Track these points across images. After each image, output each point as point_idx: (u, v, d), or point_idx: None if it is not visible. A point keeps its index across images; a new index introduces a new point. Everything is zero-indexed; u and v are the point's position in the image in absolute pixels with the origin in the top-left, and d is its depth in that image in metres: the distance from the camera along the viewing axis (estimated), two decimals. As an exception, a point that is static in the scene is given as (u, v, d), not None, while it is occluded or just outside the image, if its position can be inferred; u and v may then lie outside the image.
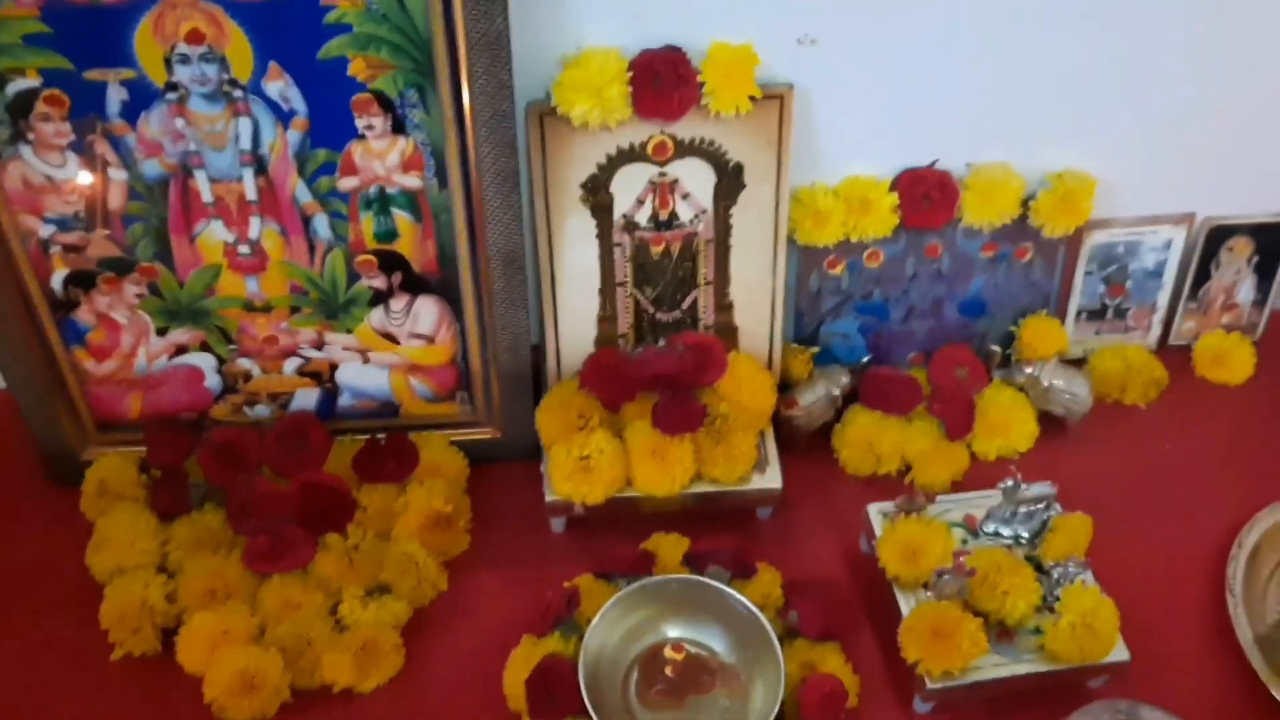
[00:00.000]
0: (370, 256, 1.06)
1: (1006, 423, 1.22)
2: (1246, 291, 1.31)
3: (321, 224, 1.03)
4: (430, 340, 1.12)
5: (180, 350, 1.10)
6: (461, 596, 1.11)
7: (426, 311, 1.10)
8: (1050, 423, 1.24)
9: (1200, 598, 1.12)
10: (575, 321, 1.14)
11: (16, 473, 1.19)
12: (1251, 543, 1.14)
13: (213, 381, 1.12)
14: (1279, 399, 1.30)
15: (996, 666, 1.01)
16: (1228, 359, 1.30)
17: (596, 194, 1.07)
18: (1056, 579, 1.03)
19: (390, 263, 1.06)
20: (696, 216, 1.10)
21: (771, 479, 1.14)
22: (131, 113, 0.95)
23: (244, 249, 1.04)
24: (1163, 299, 1.29)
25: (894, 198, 1.15)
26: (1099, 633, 1.00)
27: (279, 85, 0.95)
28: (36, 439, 1.14)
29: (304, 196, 1.01)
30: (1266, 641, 1.08)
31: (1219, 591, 1.11)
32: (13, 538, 1.14)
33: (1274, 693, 1.03)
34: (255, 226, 1.03)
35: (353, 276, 1.07)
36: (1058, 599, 1.02)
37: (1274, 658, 1.06)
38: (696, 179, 1.08)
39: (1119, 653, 1.01)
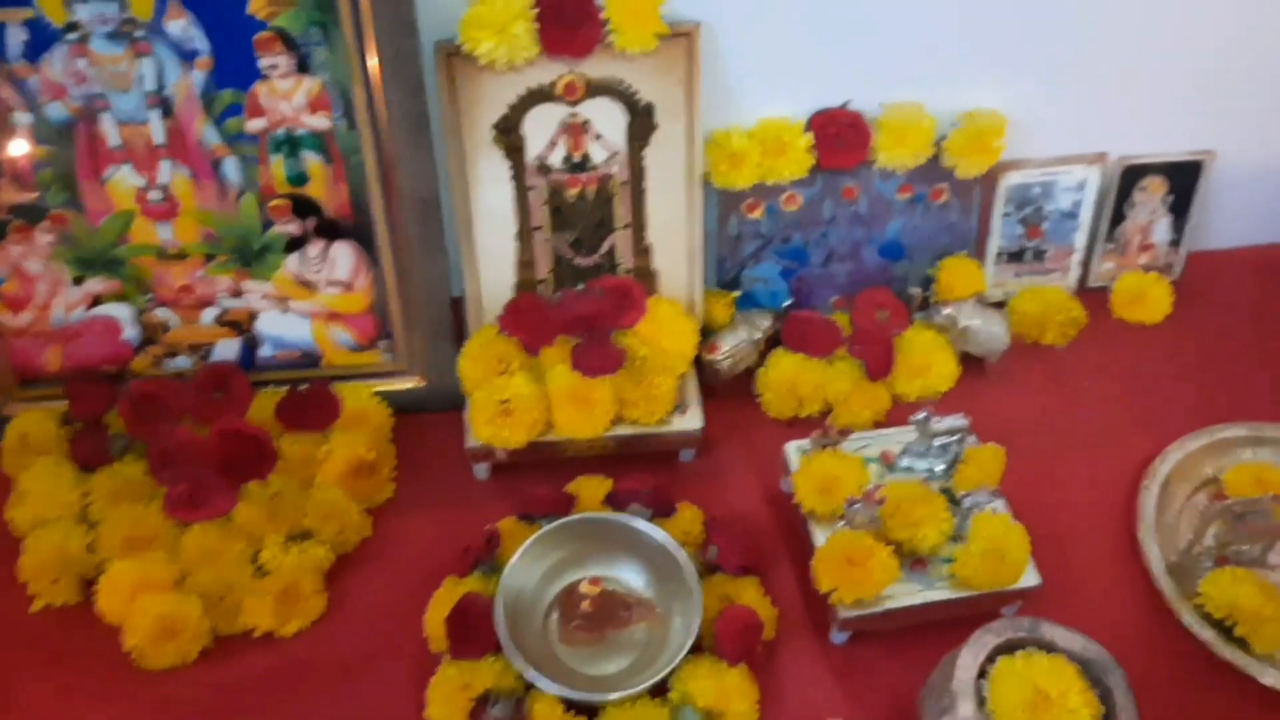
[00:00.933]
0: (283, 201, 1.06)
1: (926, 363, 1.24)
2: (1162, 231, 1.33)
3: (231, 167, 1.03)
4: (348, 287, 1.12)
5: (96, 301, 1.10)
6: (385, 542, 1.12)
7: (343, 257, 1.10)
8: (970, 363, 1.26)
9: (1113, 527, 1.14)
10: (494, 267, 1.14)
11: (-63, 431, 1.19)
12: (1163, 474, 1.16)
13: (131, 333, 1.12)
14: (1194, 338, 1.32)
15: (909, 594, 1.03)
16: (1145, 299, 1.33)
17: (508, 135, 1.07)
18: (968, 508, 1.05)
19: (303, 207, 1.06)
20: (610, 158, 1.11)
21: (692, 420, 1.15)
22: (33, 54, 0.95)
23: (155, 194, 1.04)
24: (1080, 240, 1.31)
25: (808, 139, 1.16)
26: (1009, 559, 1.02)
27: (181, 23, 0.95)
28: (-45, 397, 1.14)
29: (212, 139, 1.01)
30: (1176, 569, 1.10)
31: (1130, 522, 1.13)
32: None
33: (1182, 617, 1.05)
34: (165, 170, 1.02)
35: (266, 222, 1.07)
36: (969, 528, 1.04)
37: (1183, 584, 1.08)
38: (608, 119, 1.08)
39: (1029, 578, 1.03)
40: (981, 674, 0.89)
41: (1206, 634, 1.04)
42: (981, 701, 0.88)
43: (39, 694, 1.00)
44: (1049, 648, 0.90)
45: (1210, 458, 1.18)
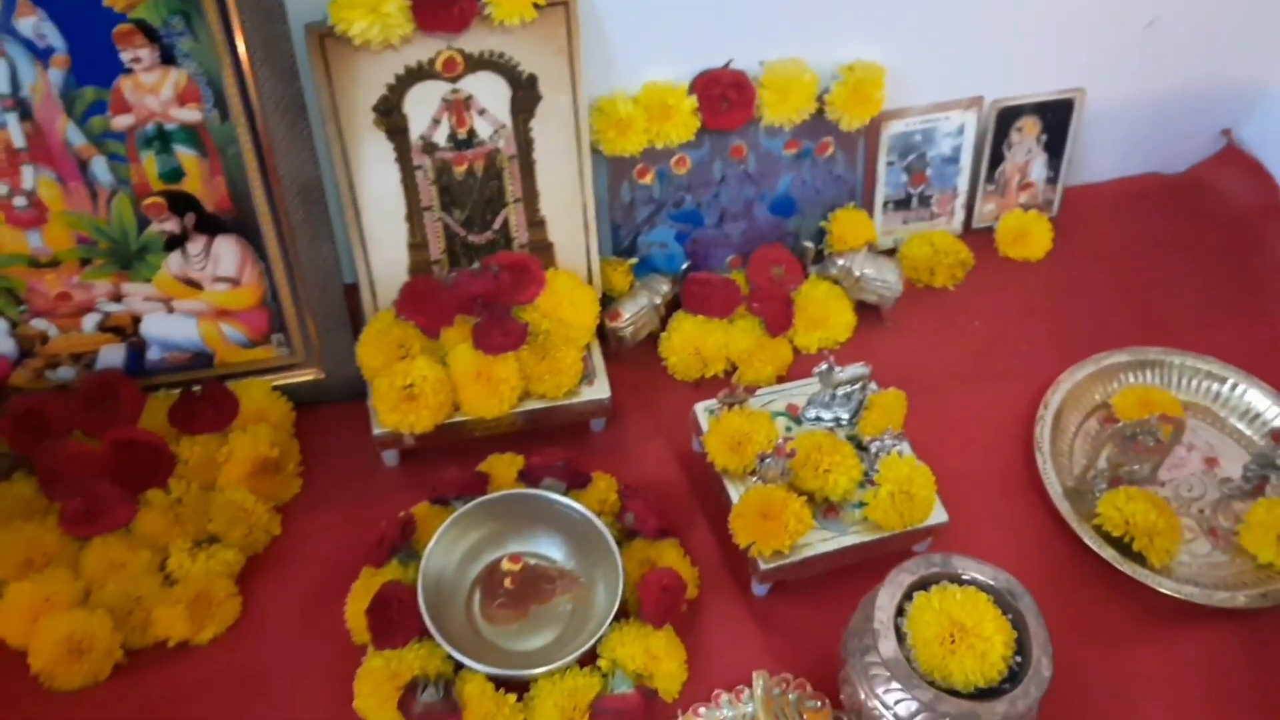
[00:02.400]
0: (158, 199, 1.02)
1: (824, 315, 1.26)
2: (1039, 170, 1.37)
3: (100, 167, 0.98)
4: (235, 283, 1.09)
5: (-36, 315, 1.05)
6: (297, 540, 1.10)
7: (227, 252, 1.07)
8: (866, 311, 1.29)
9: (1012, 458, 1.18)
10: (386, 251, 1.12)
11: None
12: (1056, 403, 1.20)
13: (6, 346, 1.07)
14: (1076, 270, 1.37)
15: (824, 541, 1.05)
16: (1027, 237, 1.37)
17: (389, 116, 1.05)
18: (875, 453, 1.07)
19: (180, 203, 1.02)
20: (496, 132, 1.09)
21: (600, 390, 1.15)
22: None
23: (20, 201, 0.99)
24: (962, 183, 1.34)
25: (693, 101, 1.16)
26: (916, 498, 1.04)
27: (32, 21, 0.90)
28: None
29: (77, 139, 0.96)
30: (1073, 493, 1.14)
31: (1028, 451, 1.17)
32: None
33: (1083, 537, 1.09)
34: (28, 176, 0.97)
35: (143, 221, 1.03)
36: (877, 471, 1.06)
37: (1081, 507, 1.13)
38: (491, 94, 1.07)
39: (938, 515, 1.06)
40: (899, 611, 0.92)
41: (1107, 552, 1.08)
42: (901, 638, 0.90)
43: (-58, 730, 0.96)
44: (961, 580, 0.93)
45: (1098, 384, 1.23)
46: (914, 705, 0.88)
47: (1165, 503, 1.11)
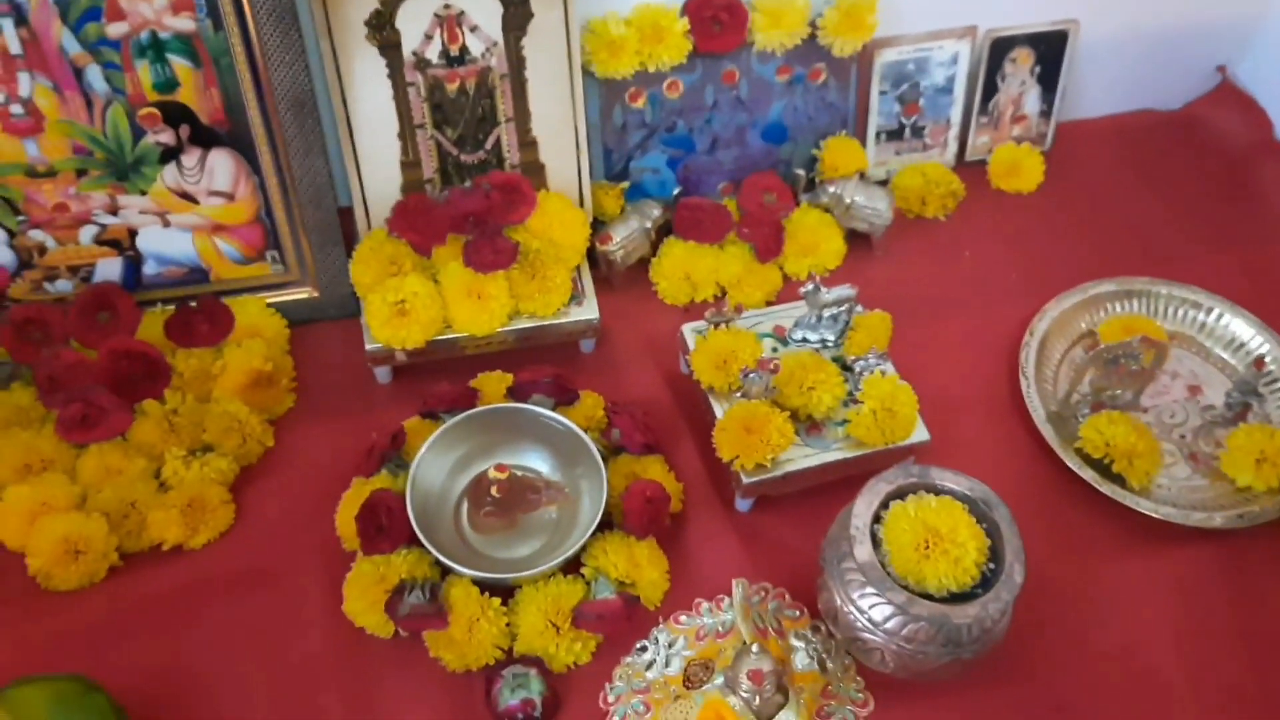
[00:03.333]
0: (153, 109, 1.03)
1: (815, 242, 1.27)
2: (1033, 103, 1.37)
3: (95, 76, 1.00)
4: (230, 197, 1.10)
5: (-36, 226, 1.06)
6: (290, 451, 1.12)
7: (221, 166, 1.08)
8: (856, 239, 1.30)
9: (997, 384, 1.19)
10: (379, 169, 1.13)
11: None
12: (1042, 330, 1.21)
13: (5, 257, 1.08)
14: (1067, 203, 1.38)
15: (807, 457, 1.06)
16: (1020, 169, 1.37)
17: (382, 31, 1.06)
18: (859, 372, 1.09)
19: (175, 115, 1.04)
20: (488, 50, 1.10)
21: (589, 310, 1.16)
22: None
23: (16, 109, 1.00)
24: (955, 115, 1.35)
25: (685, 23, 1.16)
26: (898, 415, 1.06)
27: (26, -75, 0.91)
28: None
29: (72, 47, 0.97)
30: (1056, 418, 1.16)
31: (1013, 377, 1.19)
32: None
33: (1064, 459, 1.11)
34: (25, 83, 0.99)
35: (138, 132, 1.04)
36: (860, 390, 1.07)
37: (1063, 431, 1.14)
38: (483, 10, 1.07)
39: (919, 433, 1.08)
40: (876, 519, 0.94)
41: (1087, 473, 1.10)
42: (877, 544, 0.92)
43: (-58, 625, 0.98)
44: (938, 491, 0.95)
45: (1085, 313, 1.24)
46: (888, 609, 0.91)
47: (1146, 427, 1.12)
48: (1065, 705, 0.98)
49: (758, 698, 0.88)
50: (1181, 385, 1.20)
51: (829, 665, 0.99)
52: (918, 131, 1.34)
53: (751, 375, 1.05)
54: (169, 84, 1.01)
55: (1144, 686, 0.99)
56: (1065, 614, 1.03)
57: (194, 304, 1.12)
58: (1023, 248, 1.32)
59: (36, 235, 1.08)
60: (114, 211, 1.08)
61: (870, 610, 0.91)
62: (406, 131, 1.12)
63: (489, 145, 1.15)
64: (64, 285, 1.12)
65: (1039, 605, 1.02)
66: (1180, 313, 1.24)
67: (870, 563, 0.90)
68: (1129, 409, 1.16)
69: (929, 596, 0.90)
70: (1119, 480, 1.10)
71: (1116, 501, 1.08)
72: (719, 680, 0.90)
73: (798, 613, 1.02)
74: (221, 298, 1.14)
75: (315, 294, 1.18)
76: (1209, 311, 1.23)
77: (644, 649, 1.00)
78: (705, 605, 1.02)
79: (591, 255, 1.22)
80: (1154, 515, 1.07)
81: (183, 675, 0.96)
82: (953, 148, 1.37)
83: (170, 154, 1.06)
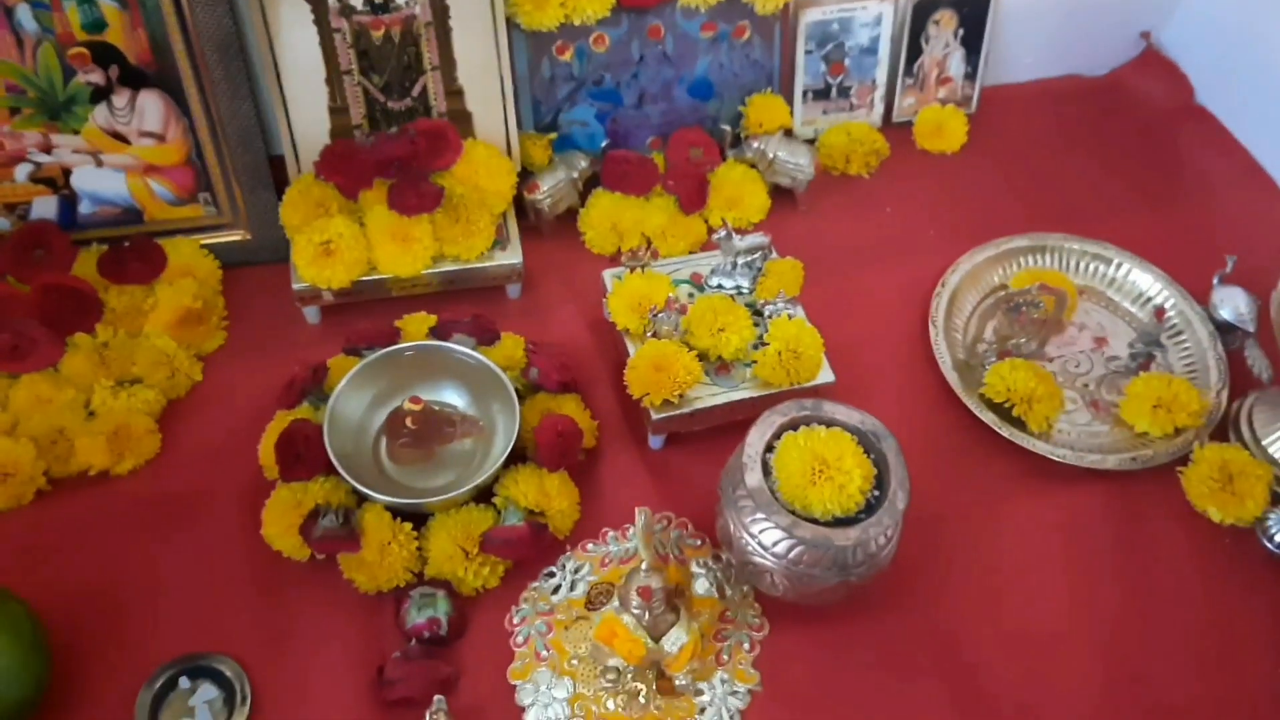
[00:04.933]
0: (82, 49, 1.06)
1: (740, 195, 1.30)
2: (957, 65, 1.41)
3: (25, 15, 1.03)
4: (160, 138, 1.13)
5: (-100, 161, 1.10)
6: (217, 387, 1.15)
7: (151, 107, 1.11)
8: (781, 194, 1.33)
9: (908, 335, 1.23)
10: (307, 114, 1.16)
11: None
12: (954, 282, 1.25)
13: (-59, 194, 1.12)
14: (989, 165, 1.41)
15: (714, 395, 1.10)
16: (944, 130, 1.41)
17: (306, -24, 1.09)
18: (767, 315, 1.13)
19: (104, 55, 1.07)
20: (412, -1, 1.14)
21: (513, 255, 1.20)
22: None
23: (-52, 47, 1.04)
24: (881, 75, 1.38)
25: (608, -24, 1.20)
26: (803, 357, 1.09)
27: None
28: None
29: (1, -14, 1.01)
30: (964, 365, 1.20)
31: (925, 329, 1.22)
32: None
33: (967, 403, 1.15)
34: (-45, 21, 1.02)
35: (69, 72, 1.07)
36: (768, 332, 1.11)
37: (970, 379, 1.18)
38: (406, -42, 1.11)
39: (825, 375, 1.11)
40: (769, 449, 0.98)
41: (987, 416, 1.14)
42: (768, 472, 0.96)
43: (-127, 543, 1.02)
44: (829, 424, 0.99)
45: (997, 266, 1.28)
46: (776, 533, 0.94)
47: (1049, 374, 1.16)
48: (951, 632, 1.02)
49: (647, 614, 0.92)
50: (1088, 337, 1.24)
51: (728, 591, 1.03)
52: (844, 91, 1.38)
53: (660, 315, 1.09)
54: (97, 24, 1.04)
55: (1028, 617, 1.03)
56: (958, 548, 1.07)
57: (127, 243, 1.16)
58: (943, 206, 1.36)
59: (-29, 172, 1.12)
60: (48, 150, 1.11)
61: (760, 534, 0.95)
62: (333, 77, 1.15)
63: (415, 93, 1.18)
64: (1, 223, 1.15)
65: (933, 540, 1.07)
66: (1089, 267, 1.28)
67: (759, 488, 0.94)
68: (1034, 358, 1.19)
69: (816, 522, 0.94)
70: (1019, 424, 1.14)
71: (1015, 444, 1.12)
72: (615, 604, 0.94)
73: (699, 541, 1.06)
74: (156, 238, 1.17)
75: (247, 237, 1.21)
76: (1116, 265, 1.27)
77: (551, 575, 1.04)
78: (611, 534, 1.06)
79: (521, 205, 1.26)
80: (1050, 457, 1.11)
81: (105, 594, 1.00)
82: (879, 108, 1.40)
83: (101, 94, 1.09)
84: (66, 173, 1.13)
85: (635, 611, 0.92)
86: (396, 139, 1.16)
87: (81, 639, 0.97)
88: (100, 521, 1.04)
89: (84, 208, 1.16)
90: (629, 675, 0.95)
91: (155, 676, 0.94)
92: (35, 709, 0.90)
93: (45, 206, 1.15)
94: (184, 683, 0.95)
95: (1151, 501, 1.11)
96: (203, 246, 1.19)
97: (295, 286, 1.15)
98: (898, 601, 1.03)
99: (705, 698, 0.96)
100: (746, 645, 1.00)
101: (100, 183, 1.15)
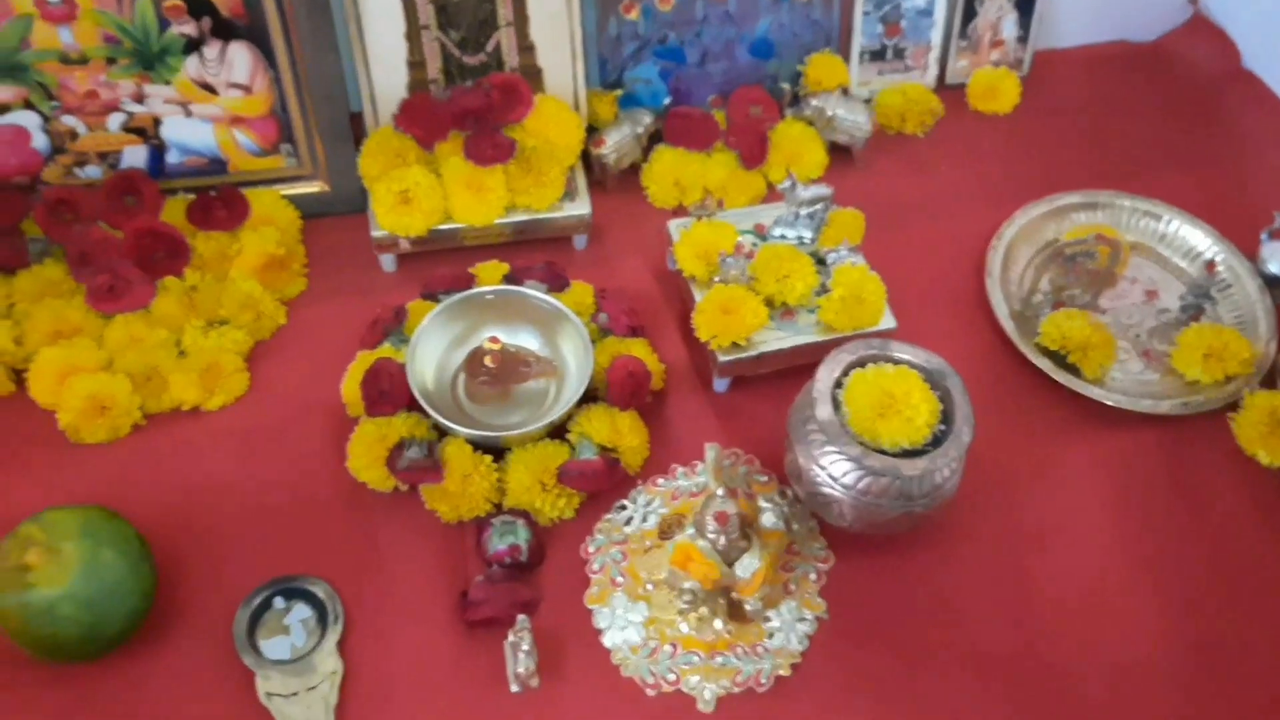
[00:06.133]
0: (178, 1, 1.10)
1: (798, 153, 1.34)
2: (1010, 28, 1.44)
3: (124, -33, 1.08)
4: (247, 90, 1.18)
5: (4, 109, 1.14)
6: (300, 329, 1.20)
7: (240, 59, 1.16)
8: (838, 152, 1.37)
9: (964, 285, 1.27)
10: (387, 69, 1.21)
11: None
12: (1009, 236, 1.28)
13: (40, 142, 1.17)
14: (1040, 125, 1.44)
15: (779, 339, 1.14)
16: (996, 91, 1.44)
17: (392, -67, 1.14)
18: (830, 263, 1.16)
19: (198, 7, 1.11)
20: (490, -45, 1.18)
21: (581, 206, 1.24)
22: None
23: (53, -2, 1.08)
24: (936, 37, 1.41)
25: (676, -63, 1.24)
26: (866, 302, 1.13)
27: None
28: None
29: (104, -62, 1.06)
30: (1019, 316, 1.23)
31: (980, 280, 1.26)
32: None
33: (1022, 349, 1.18)
34: (61, -28, 1.07)
35: (164, 23, 1.12)
36: (832, 279, 1.15)
37: (1024, 329, 1.21)
38: (485, -84, 1.15)
39: (886, 321, 1.15)
40: (838, 385, 1.02)
41: (1042, 362, 1.17)
42: (837, 407, 1.00)
43: (-19, 471, 1.07)
44: (895, 363, 1.02)
45: (1051, 222, 1.31)
46: (846, 464, 0.98)
47: (1103, 325, 1.19)
48: (1009, 567, 1.06)
49: (723, 538, 0.96)
50: (1140, 290, 1.27)
51: (794, 526, 1.07)
52: (899, 53, 1.41)
53: (729, 260, 1.13)
54: (192, -23, 1.09)
55: (1083, 553, 1.07)
56: (1016, 489, 1.11)
57: (213, 192, 1.21)
58: (996, 165, 1.39)
59: (69, 121, 1.16)
60: (140, 100, 1.16)
61: (830, 466, 0.99)
62: (413, 32, 1.19)
63: (490, 48, 1.22)
64: (93, 171, 1.20)
65: (992, 480, 1.10)
66: (1140, 223, 1.31)
67: (830, 421, 0.98)
68: (1088, 309, 1.23)
69: (884, 453, 0.98)
70: (1074, 371, 1.17)
71: (1070, 390, 1.16)
72: (690, 531, 0.99)
73: (766, 477, 1.10)
74: (239, 188, 1.22)
75: (325, 188, 1.26)
76: (1167, 222, 1.30)
77: (623, 508, 1.08)
78: (680, 470, 1.10)
79: (587, 161, 1.30)
80: (1105, 401, 1.15)
81: (202, 521, 1.05)
82: (933, 70, 1.44)
83: (193, 45, 1.14)
84: (157, 122, 1.18)
85: (710, 536, 0.96)
86: (472, 93, 1.20)
87: (182, 561, 1.02)
88: (194, 453, 1.09)
89: (172, 157, 1.21)
90: (702, 598, 0.99)
91: (252, 596, 0.99)
92: (143, 620, 0.95)
93: (135, 155, 1.20)
94: (279, 603, 1.00)
95: (1202, 446, 1.14)
96: (283, 197, 1.24)
97: (374, 234, 1.20)
98: (958, 537, 1.07)
99: (774, 623, 1.01)
100: (813, 576, 1.04)
101: (188, 133, 1.20)
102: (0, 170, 1.17)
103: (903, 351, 1.03)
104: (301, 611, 1.00)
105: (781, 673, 0.98)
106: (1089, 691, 0.99)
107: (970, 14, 1.41)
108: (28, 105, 1.14)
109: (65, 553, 0.90)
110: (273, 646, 0.97)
